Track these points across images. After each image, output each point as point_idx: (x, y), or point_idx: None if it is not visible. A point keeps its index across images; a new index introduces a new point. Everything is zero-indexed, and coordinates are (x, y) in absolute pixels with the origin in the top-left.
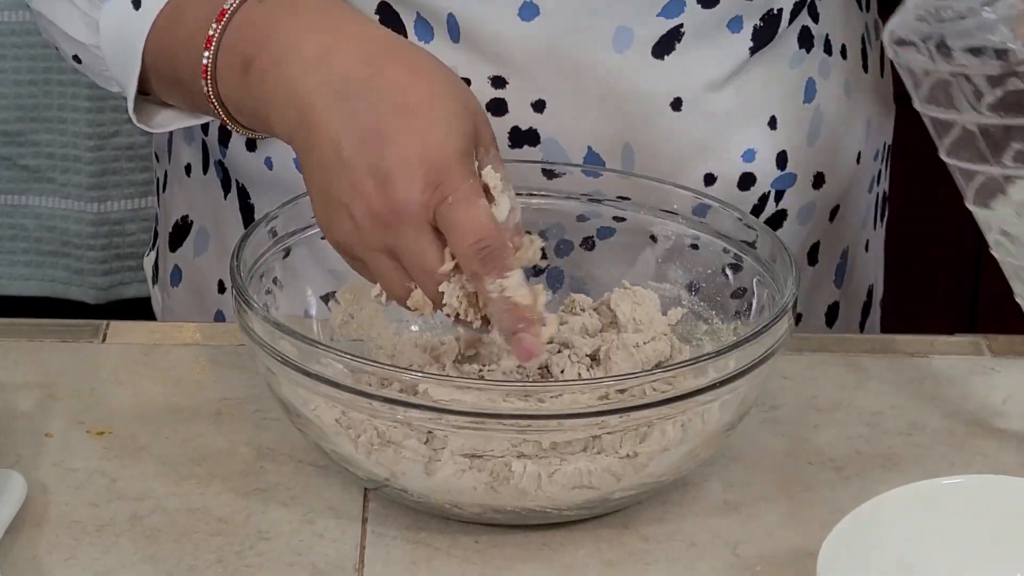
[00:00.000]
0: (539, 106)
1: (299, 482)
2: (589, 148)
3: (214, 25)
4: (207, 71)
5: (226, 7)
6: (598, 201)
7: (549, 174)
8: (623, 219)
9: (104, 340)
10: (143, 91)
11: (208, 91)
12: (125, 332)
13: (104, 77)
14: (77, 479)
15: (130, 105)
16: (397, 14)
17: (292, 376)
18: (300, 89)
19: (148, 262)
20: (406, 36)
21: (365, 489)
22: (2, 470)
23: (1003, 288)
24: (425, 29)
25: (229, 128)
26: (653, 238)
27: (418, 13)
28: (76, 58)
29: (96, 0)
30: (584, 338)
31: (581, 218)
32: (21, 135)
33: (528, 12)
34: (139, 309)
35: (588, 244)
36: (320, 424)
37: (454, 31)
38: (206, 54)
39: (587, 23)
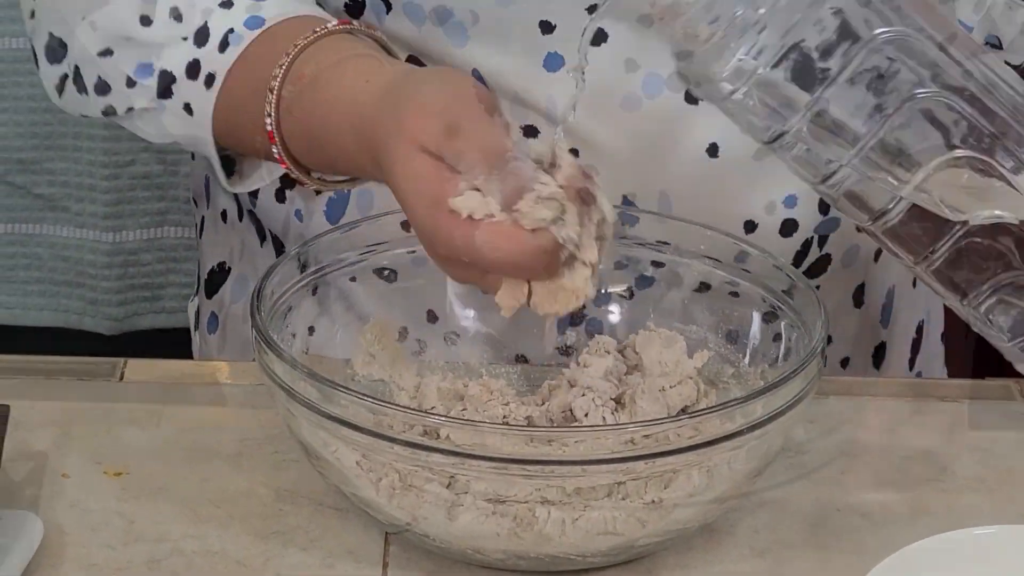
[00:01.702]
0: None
1: (319, 525)
2: (624, 197)
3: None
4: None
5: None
6: (638, 245)
7: None
8: (661, 264)
9: (121, 378)
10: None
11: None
12: (143, 370)
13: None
14: (94, 520)
15: (217, 168)
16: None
17: (312, 418)
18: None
19: (192, 307)
20: None
21: (386, 533)
22: (19, 511)
23: None
24: None
25: (292, 175)
26: (680, 278)
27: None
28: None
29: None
30: (608, 381)
31: (619, 265)
32: (36, 163)
33: (559, 62)
34: (154, 340)
35: (628, 293)
36: (340, 467)
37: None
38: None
39: (621, 72)
